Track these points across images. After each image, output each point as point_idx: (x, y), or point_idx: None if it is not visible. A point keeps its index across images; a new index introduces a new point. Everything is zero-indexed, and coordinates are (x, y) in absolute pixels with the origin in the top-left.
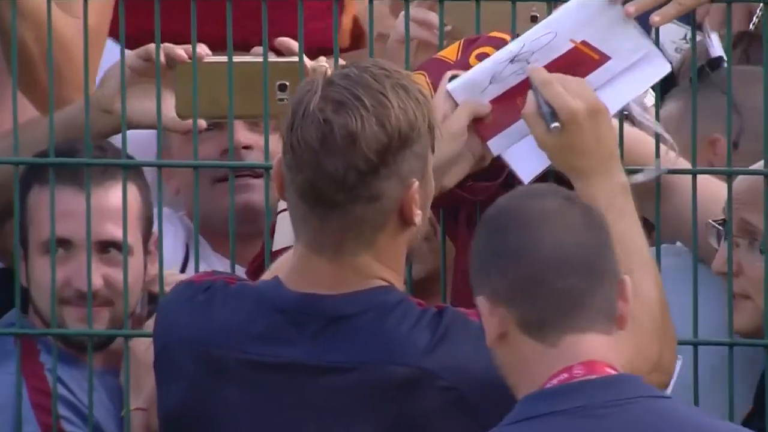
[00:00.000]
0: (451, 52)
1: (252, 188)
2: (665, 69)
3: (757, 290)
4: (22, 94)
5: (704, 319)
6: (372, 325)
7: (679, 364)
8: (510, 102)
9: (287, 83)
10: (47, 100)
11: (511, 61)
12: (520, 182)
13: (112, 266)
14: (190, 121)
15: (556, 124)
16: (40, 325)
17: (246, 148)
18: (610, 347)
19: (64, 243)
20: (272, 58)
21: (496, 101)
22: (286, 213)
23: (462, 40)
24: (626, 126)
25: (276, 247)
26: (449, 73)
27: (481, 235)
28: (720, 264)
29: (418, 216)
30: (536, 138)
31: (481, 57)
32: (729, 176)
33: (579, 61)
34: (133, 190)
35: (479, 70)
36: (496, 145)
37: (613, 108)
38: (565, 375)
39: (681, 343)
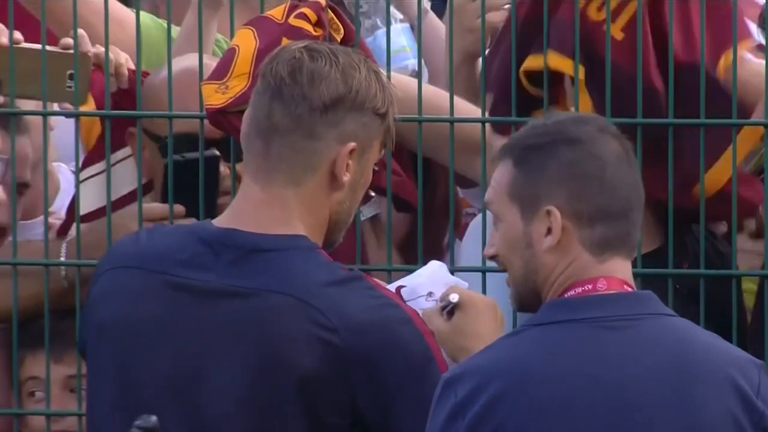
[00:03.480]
0: (278, 12)
1: None
2: None
3: None
4: None
5: None
6: (281, 260)
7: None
8: None
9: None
10: None
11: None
12: None
13: None
14: None
15: (455, 295)
16: None
17: None
18: (630, 268)
19: None
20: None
21: None
22: (91, 180)
23: (289, 2)
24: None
25: (84, 210)
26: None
27: (568, 154)
28: None
29: (346, 178)
30: (434, 329)
31: (300, 16)
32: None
33: None
34: None
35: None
36: None
37: None
38: (589, 286)
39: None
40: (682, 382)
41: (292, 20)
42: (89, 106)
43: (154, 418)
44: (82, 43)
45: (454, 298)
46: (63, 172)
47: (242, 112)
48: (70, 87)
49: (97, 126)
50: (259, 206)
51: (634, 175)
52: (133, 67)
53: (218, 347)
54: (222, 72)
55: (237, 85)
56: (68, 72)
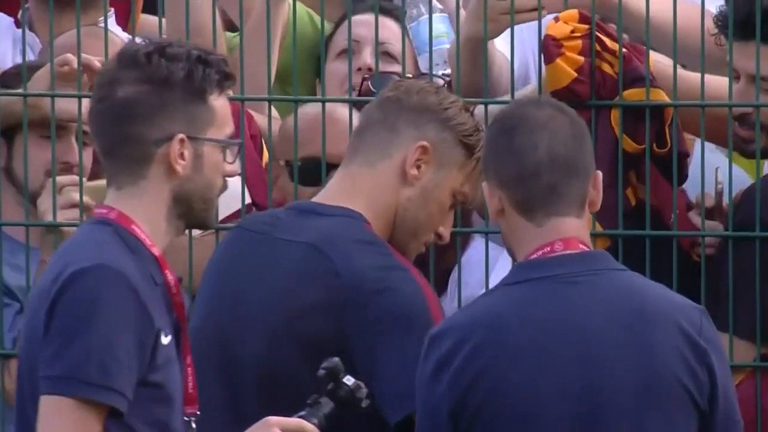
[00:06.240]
0: None
1: None
2: None
3: None
4: None
5: None
6: (321, 221)
7: None
8: None
9: None
10: None
11: None
12: None
13: None
14: None
15: None
16: None
17: None
18: (583, 227)
19: None
20: None
21: None
22: None
23: None
24: None
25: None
26: None
27: (493, 132)
28: None
29: (414, 172)
30: None
31: None
32: None
33: None
34: None
35: None
36: None
37: None
38: (548, 248)
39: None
40: (637, 326)
41: None
42: None
43: (336, 359)
44: None
45: None
46: None
47: None
48: None
49: None
50: (332, 182)
51: (561, 141)
52: None
53: (255, 277)
54: None
55: None
56: None
